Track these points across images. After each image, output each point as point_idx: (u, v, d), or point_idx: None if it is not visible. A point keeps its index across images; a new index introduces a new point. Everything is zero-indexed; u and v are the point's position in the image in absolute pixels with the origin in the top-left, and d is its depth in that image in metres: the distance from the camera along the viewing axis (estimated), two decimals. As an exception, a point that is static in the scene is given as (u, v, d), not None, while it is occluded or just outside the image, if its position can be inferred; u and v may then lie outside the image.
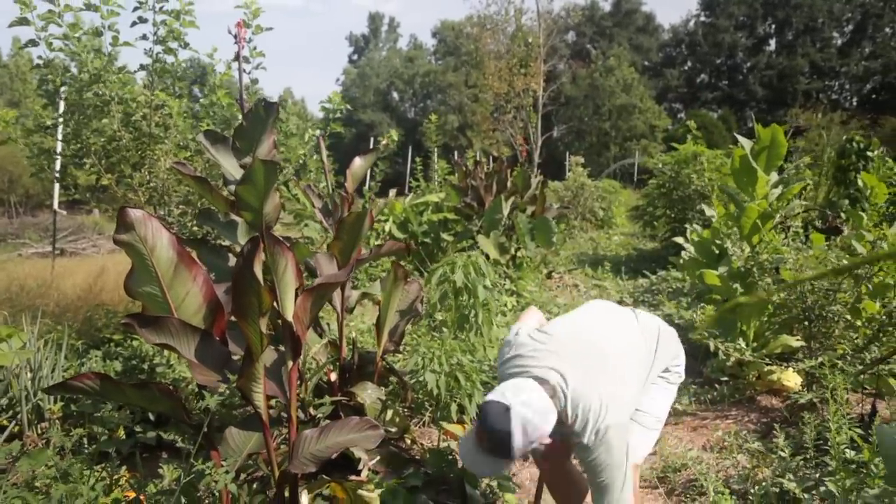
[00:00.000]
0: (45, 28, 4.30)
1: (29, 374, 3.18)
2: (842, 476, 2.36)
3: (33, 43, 4.34)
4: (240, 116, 3.31)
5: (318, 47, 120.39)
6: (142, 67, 4.68)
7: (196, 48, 4.81)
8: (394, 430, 3.08)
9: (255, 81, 4.97)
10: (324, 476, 2.18)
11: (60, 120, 4.79)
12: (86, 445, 2.75)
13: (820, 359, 3.42)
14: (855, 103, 43.97)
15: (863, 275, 3.74)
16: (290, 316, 2.04)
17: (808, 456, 2.75)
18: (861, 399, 3.66)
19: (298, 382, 2.55)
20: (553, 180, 15.98)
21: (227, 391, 3.08)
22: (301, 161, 5.43)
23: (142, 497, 2.28)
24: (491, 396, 1.87)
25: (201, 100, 5.18)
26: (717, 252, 4.87)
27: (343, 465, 2.40)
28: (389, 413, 3.09)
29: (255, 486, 2.42)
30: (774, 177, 4.73)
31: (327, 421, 2.21)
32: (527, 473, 3.14)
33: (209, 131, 2.80)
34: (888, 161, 6.54)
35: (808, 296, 3.98)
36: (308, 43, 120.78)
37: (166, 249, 1.94)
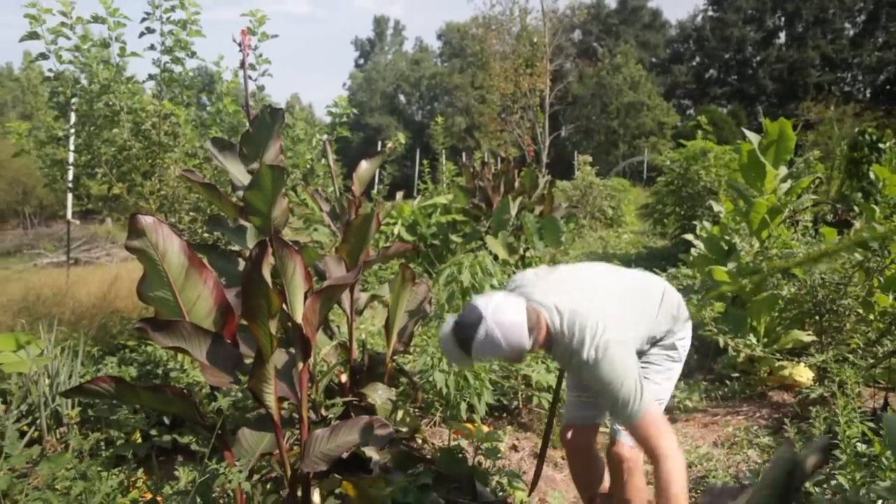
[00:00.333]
0: (54, 41, 4.38)
1: (47, 381, 3.23)
2: (852, 469, 2.36)
3: (44, 56, 4.42)
4: (246, 123, 3.35)
5: (324, 52, 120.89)
6: (150, 77, 4.75)
7: (203, 56, 4.89)
8: (404, 429, 3.11)
9: (261, 88, 5.03)
10: (335, 475, 2.21)
11: (72, 131, 4.87)
12: (103, 449, 2.80)
13: (831, 353, 3.41)
14: (868, 95, 43.56)
15: (874, 268, 3.73)
16: (299, 318, 2.07)
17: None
18: (874, 393, 3.65)
19: (309, 384, 2.59)
20: (562, 179, 15.97)
21: (239, 393, 3.13)
22: (309, 166, 5.48)
23: (159, 498, 2.32)
24: (479, 300, 1.99)
25: (208, 108, 5.25)
26: (725, 248, 4.86)
27: (354, 464, 2.42)
28: (400, 413, 3.12)
29: (268, 486, 2.45)
30: (783, 171, 4.72)
31: (338, 421, 2.24)
32: (538, 471, 3.16)
33: (217, 139, 2.84)
34: (901, 152, 6.50)
35: (818, 290, 3.97)
36: (314, 48, 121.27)
37: (177, 255, 1.98)
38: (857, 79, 46.56)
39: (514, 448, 3.41)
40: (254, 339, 1.92)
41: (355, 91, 54.99)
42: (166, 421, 3.24)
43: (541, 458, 2.75)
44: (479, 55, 29.75)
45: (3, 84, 46.32)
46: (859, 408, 2.65)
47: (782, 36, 48.15)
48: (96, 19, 4.41)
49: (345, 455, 2.11)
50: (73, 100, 4.68)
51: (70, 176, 5.15)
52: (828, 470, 2.60)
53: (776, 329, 4.30)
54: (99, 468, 2.19)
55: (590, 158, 15.44)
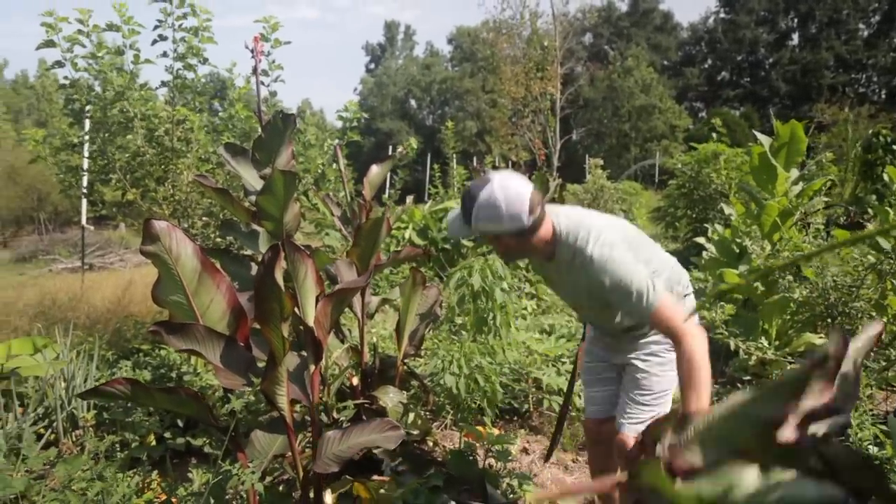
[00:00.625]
0: (70, 49, 4.44)
1: (63, 384, 3.28)
2: (865, 471, 2.34)
3: (59, 64, 4.48)
4: (259, 129, 3.39)
5: (335, 58, 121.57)
6: (163, 84, 4.80)
7: (215, 63, 4.94)
8: (416, 432, 3.12)
9: (273, 94, 5.07)
10: (347, 476, 2.23)
11: (86, 138, 4.94)
12: (118, 451, 2.83)
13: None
14: (883, 96, 43.15)
15: (887, 270, 3.70)
16: (311, 321, 2.10)
17: (830, 452, 2.73)
18: (886, 396, 3.62)
19: (321, 386, 2.61)
20: (573, 183, 15.93)
21: (252, 396, 3.16)
22: (320, 171, 5.51)
23: (173, 500, 2.35)
24: (493, 174, 1.97)
25: (220, 113, 5.30)
26: (737, 251, 4.84)
27: (366, 466, 2.45)
28: (411, 416, 3.14)
29: (281, 487, 2.48)
30: (795, 173, 4.70)
31: (350, 423, 2.26)
32: (547, 474, 3.16)
33: (229, 144, 2.88)
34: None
35: (831, 293, 3.95)
36: (325, 54, 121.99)
37: (190, 259, 2.02)
38: (871, 80, 46.17)
39: (525, 451, 3.42)
40: (266, 342, 1.95)
41: (366, 96, 55.22)
42: (180, 423, 3.27)
43: (559, 426, 2.73)
44: (490, 59, 29.75)
45: (19, 92, 46.97)
46: (871, 410, 2.64)
47: (795, 37, 47.86)
48: (111, 27, 4.47)
49: (356, 457, 2.14)
50: (88, 107, 4.74)
51: (85, 182, 5.21)
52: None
53: (788, 332, 4.28)
54: (114, 470, 2.22)
55: (601, 162, 15.39)
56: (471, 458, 2.84)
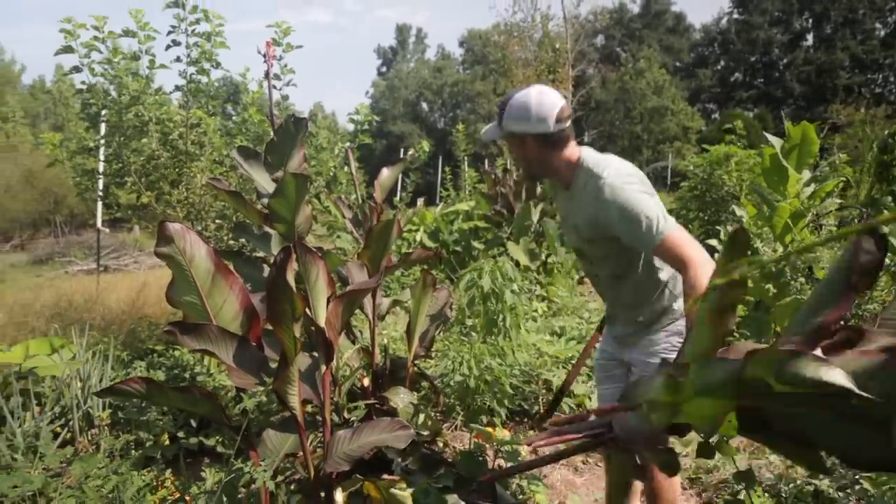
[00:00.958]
0: (87, 55, 4.51)
1: (79, 384, 3.33)
2: (877, 474, 2.34)
3: (77, 69, 4.55)
4: (271, 132, 3.43)
5: (347, 61, 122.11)
6: (177, 88, 4.86)
7: (228, 67, 4.99)
8: (426, 433, 3.14)
9: (285, 98, 5.12)
10: (357, 475, 2.25)
11: (102, 141, 5.01)
12: (133, 450, 2.88)
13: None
14: (901, 96, 42.73)
15: (900, 272, 3.68)
16: (322, 322, 2.13)
17: (842, 455, 2.72)
18: (901, 398, 3.59)
19: (332, 386, 2.64)
20: (584, 185, 15.87)
21: (264, 396, 3.20)
22: (332, 173, 5.56)
23: (187, 497, 2.39)
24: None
25: (233, 117, 5.35)
26: (749, 253, 4.83)
27: (377, 465, 2.47)
28: (421, 417, 3.16)
29: (292, 487, 2.51)
30: (807, 175, 4.68)
31: (360, 423, 2.28)
32: (557, 475, 3.17)
33: (242, 147, 2.91)
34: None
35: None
36: (338, 57, 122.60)
37: (204, 260, 2.05)
38: (888, 80, 45.67)
39: (535, 452, 3.43)
40: (278, 342, 1.98)
41: (378, 99, 55.42)
42: (193, 423, 3.31)
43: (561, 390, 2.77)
44: (502, 62, 29.79)
45: (37, 96, 47.58)
46: (883, 412, 2.63)
47: (810, 38, 47.47)
48: (127, 33, 4.54)
49: (367, 456, 2.16)
50: (104, 111, 4.81)
51: (100, 185, 5.29)
52: (852, 475, 2.58)
53: (801, 334, 4.26)
54: (129, 467, 2.26)
55: (612, 164, 15.35)
56: (480, 458, 2.85)
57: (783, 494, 2.64)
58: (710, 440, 1.18)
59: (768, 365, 0.81)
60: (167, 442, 3.18)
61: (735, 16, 49.33)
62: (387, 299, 3.42)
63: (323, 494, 2.19)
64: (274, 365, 2.07)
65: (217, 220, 4.93)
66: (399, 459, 2.68)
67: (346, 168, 5.55)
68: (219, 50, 4.78)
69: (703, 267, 1.81)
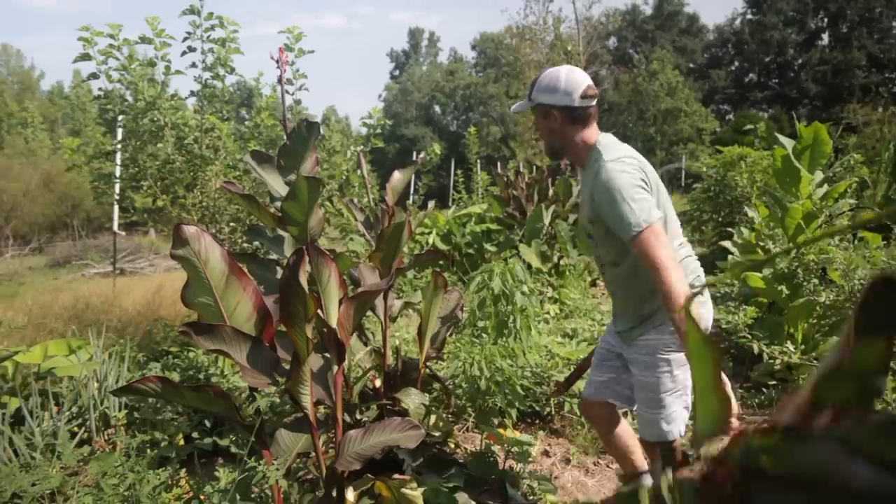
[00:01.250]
0: (104, 62, 4.59)
1: (96, 384, 3.39)
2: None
3: (94, 76, 4.63)
4: (284, 136, 3.48)
5: (360, 65, 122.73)
6: (192, 94, 4.93)
7: (242, 71, 5.05)
8: (437, 434, 3.16)
9: (298, 102, 5.17)
10: (369, 475, 2.28)
11: (119, 146, 5.08)
12: (148, 450, 2.92)
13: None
14: (921, 95, 42.15)
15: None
16: (334, 323, 2.16)
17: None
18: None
19: (344, 387, 2.67)
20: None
21: (277, 397, 3.23)
22: (345, 177, 5.60)
23: (201, 497, 2.42)
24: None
25: (246, 121, 5.42)
26: (761, 254, 4.81)
27: (388, 465, 2.50)
28: (433, 418, 3.18)
29: (304, 486, 2.54)
30: (819, 176, 4.66)
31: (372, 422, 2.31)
32: (568, 476, 3.18)
33: (256, 151, 2.95)
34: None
35: (858, 296, 3.91)
36: (351, 61, 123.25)
37: (219, 262, 2.09)
38: (907, 79, 45.10)
39: (546, 453, 3.44)
40: (291, 342, 2.01)
41: (391, 102, 55.58)
42: (207, 424, 3.36)
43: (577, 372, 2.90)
44: (514, 65, 29.82)
45: (55, 102, 48.21)
46: (896, 414, 2.61)
47: (825, 37, 47.01)
48: (143, 40, 4.61)
49: (378, 456, 2.18)
50: (121, 116, 4.88)
51: (117, 189, 5.37)
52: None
53: (815, 336, 4.24)
54: (145, 465, 2.30)
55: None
56: (491, 459, 2.87)
57: None
58: None
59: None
60: (182, 442, 3.23)
61: (749, 16, 48.98)
62: (399, 301, 3.45)
63: (334, 493, 2.22)
64: (286, 365, 2.10)
65: (231, 223, 4.99)
66: (410, 459, 2.71)
67: (358, 171, 5.59)
68: (233, 56, 4.84)
69: (672, 271, 1.91)
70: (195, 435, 3.27)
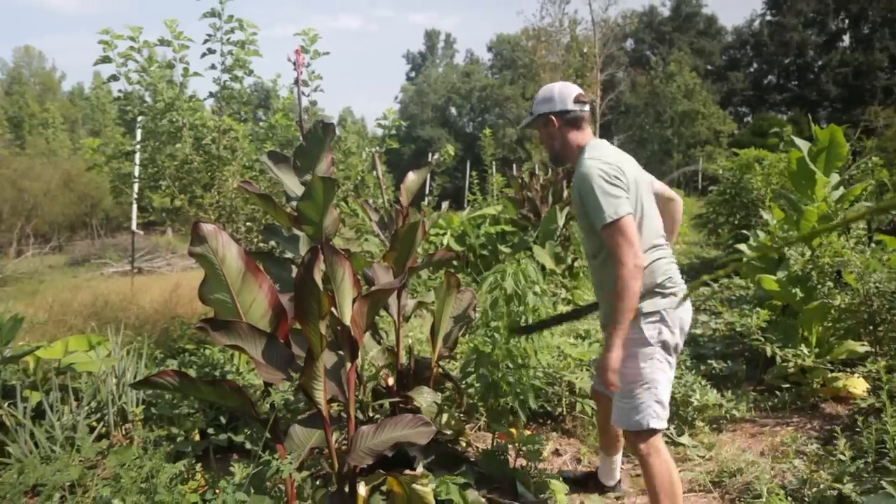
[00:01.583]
0: (124, 64, 4.67)
1: (114, 380, 3.45)
2: (902, 478, 2.32)
3: (114, 78, 4.71)
4: (300, 137, 3.52)
5: (377, 66, 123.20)
6: (210, 95, 5.00)
7: (260, 73, 5.11)
8: (449, 432, 3.19)
9: (314, 103, 5.22)
10: (380, 471, 2.31)
11: (138, 146, 5.16)
12: (164, 445, 2.97)
13: (883, 363, 3.34)
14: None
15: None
16: (347, 320, 2.19)
17: (868, 460, 2.70)
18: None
19: (357, 384, 2.70)
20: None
21: (291, 395, 3.27)
22: (360, 178, 5.64)
23: (216, 490, 2.47)
24: None
25: (262, 122, 5.47)
26: (776, 257, 4.79)
27: (400, 462, 2.53)
28: (445, 416, 3.21)
29: (317, 481, 2.57)
30: (835, 178, 4.63)
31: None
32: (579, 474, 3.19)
33: (272, 152, 3.00)
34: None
35: (874, 299, 3.88)
36: (367, 63, 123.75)
37: (235, 260, 2.13)
38: (930, 81, 44.37)
39: (557, 453, 3.45)
40: (305, 339, 2.05)
41: (407, 104, 55.72)
42: (222, 420, 3.40)
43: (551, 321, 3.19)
44: (530, 66, 29.77)
45: (76, 103, 48.87)
46: (910, 417, 2.61)
47: (846, 38, 46.44)
48: (162, 42, 4.68)
49: (390, 453, 2.22)
50: (140, 117, 4.96)
51: (136, 189, 5.44)
52: (877, 479, 2.56)
53: (829, 339, 4.21)
54: (162, 458, 2.34)
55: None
56: (502, 457, 2.89)
57: (807, 499, 2.63)
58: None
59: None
60: (197, 438, 3.28)
61: (768, 17, 48.52)
62: (412, 301, 3.48)
63: (347, 489, 2.25)
64: (301, 362, 2.14)
65: (247, 223, 5.05)
66: (421, 456, 2.73)
67: (373, 172, 5.63)
68: (252, 58, 4.90)
69: (629, 269, 2.14)
70: (210, 431, 3.32)
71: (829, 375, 3.94)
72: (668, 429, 3.53)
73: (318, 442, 2.29)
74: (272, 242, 4.38)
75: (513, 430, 3.08)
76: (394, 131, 5.57)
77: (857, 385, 3.84)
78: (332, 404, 2.95)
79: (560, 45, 27.39)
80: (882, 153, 10.35)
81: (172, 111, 4.76)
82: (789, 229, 4.53)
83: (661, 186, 2.69)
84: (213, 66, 4.86)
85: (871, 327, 3.96)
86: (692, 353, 4.58)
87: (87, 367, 3.55)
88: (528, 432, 3.14)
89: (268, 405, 2.12)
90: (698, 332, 5.15)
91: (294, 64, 2.85)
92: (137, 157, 5.27)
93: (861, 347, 3.99)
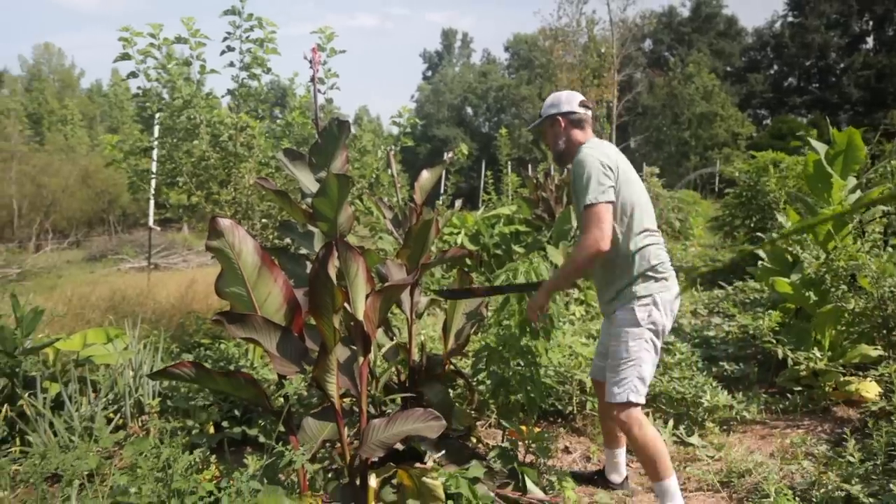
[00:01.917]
0: (143, 61, 4.74)
1: (131, 373, 3.52)
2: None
3: (133, 75, 4.79)
4: (315, 135, 3.56)
5: (393, 65, 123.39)
6: (228, 92, 5.06)
7: (277, 71, 5.16)
8: (460, 428, 3.21)
9: (329, 101, 5.27)
10: (391, 464, 2.34)
11: (156, 143, 5.24)
12: (179, 436, 3.03)
13: (894, 366, 3.32)
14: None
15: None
16: (360, 315, 2.23)
17: (877, 462, 2.70)
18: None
19: (369, 378, 2.74)
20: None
21: (305, 390, 3.31)
22: (375, 175, 5.68)
23: (230, 481, 2.51)
24: None
25: (278, 120, 5.53)
26: (790, 260, 4.76)
27: (410, 456, 2.56)
28: (456, 412, 3.23)
29: (329, 474, 2.61)
30: (852, 182, 4.60)
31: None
32: (589, 474, 3.20)
33: (288, 149, 3.04)
34: None
35: (888, 303, 3.86)
36: (384, 61, 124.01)
37: (251, 255, 2.17)
38: (954, 84, 43.63)
39: (567, 450, 3.47)
40: (319, 333, 2.09)
41: (423, 103, 55.80)
42: (237, 413, 3.46)
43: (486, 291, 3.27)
44: (547, 66, 29.70)
45: (94, 100, 49.44)
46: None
47: (870, 40, 45.85)
48: (179, 40, 4.75)
49: (400, 446, 2.25)
50: (158, 114, 5.03)
51: (153, 185, 5.53)
52: (886, 481, 2.55)
53: (842, 343, 4.19)
54: (178, 448, 2.39)
55: (657, 170, 15.17)
56: (512, 453, 2.92)
57: (814, 500, 2.63)
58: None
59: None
60: (212, 430, 3.33)
61: (790, 19, 48.01)
62: (425, 298, 3.51)
63: (358, 481, 2.29)
64: (314, 355, 2.18)
65: (263, 220, 5.11)
66: (432, 450, 2.76)
67: (388, 170, 5.66)
68: (270, 56, 4.95)
69: (587, 250, 2.43)
70: (225, 424, 3.37)
71: (842, 379, 3.92)
72: (676, 428, 3.54)
73: (331, 434, 2.32)
74: (287, 239, 4.44)
75: (523, 427, 3.10)
76: (409, 129, 5.60)
77: (870, 389, 3.82)
78: (345, 399, 2.99)
79: (577, 46, 27.28)
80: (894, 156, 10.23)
81: (190, 108, 4.82)
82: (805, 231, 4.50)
83: None
84: (231, 64, 4.92)
85: (884, 331, 3.93)
86: (704, 354, 4.57)
87: (105, 359, 3.63)
88: (538, 429, 3.15)
89: (281, 398, 2.16)
90: (711, 334, 5.14)
91: (310, 62, 2.89)
92: (155, 153, 5.34)
93: (874, 352, 3.96)
